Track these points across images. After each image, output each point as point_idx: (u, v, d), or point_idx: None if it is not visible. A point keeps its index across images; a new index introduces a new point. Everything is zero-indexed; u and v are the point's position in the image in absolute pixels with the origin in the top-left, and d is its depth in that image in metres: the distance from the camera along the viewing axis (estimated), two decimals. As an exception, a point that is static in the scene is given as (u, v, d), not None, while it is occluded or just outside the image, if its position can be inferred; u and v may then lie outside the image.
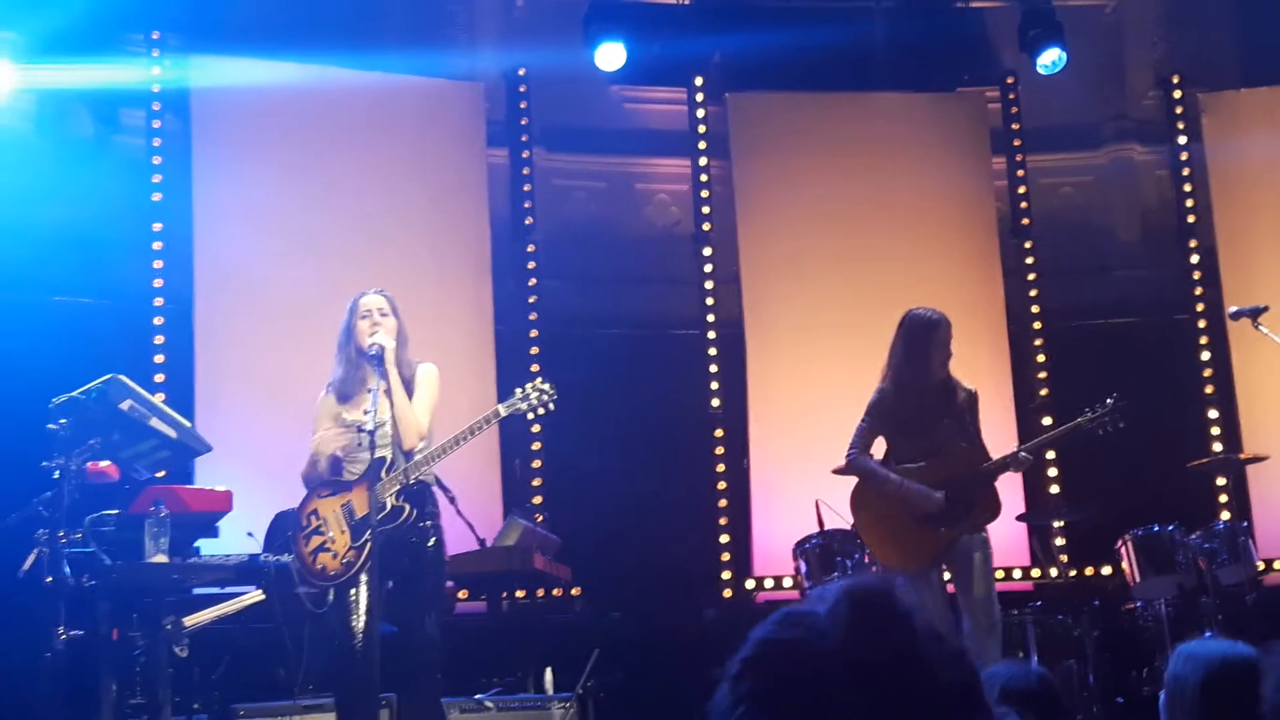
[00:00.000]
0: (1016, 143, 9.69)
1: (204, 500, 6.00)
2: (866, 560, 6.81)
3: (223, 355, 8.01)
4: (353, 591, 5.07)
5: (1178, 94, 9.64)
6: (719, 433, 8.87)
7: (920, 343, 5.86)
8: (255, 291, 8.09)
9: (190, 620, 5.58)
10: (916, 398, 5.86)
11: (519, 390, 5.48)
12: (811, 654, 1.10)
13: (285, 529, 6.25)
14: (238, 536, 6.22)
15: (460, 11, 9.51)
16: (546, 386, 5.44)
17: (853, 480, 6.08)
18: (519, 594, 7.65)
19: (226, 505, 6.00)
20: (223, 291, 8.13)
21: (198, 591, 5.88)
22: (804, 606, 1.16)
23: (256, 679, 6.13)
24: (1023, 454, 6.07)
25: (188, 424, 5.94)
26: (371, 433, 5.02)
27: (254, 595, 5.94)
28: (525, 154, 9.17)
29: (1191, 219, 9.46)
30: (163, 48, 8.35)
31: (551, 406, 5.46)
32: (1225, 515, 8.13)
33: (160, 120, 8.33)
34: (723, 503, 8.72)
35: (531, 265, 9.02)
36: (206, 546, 6.16)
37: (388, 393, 5.17)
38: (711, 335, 9.06)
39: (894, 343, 5.98)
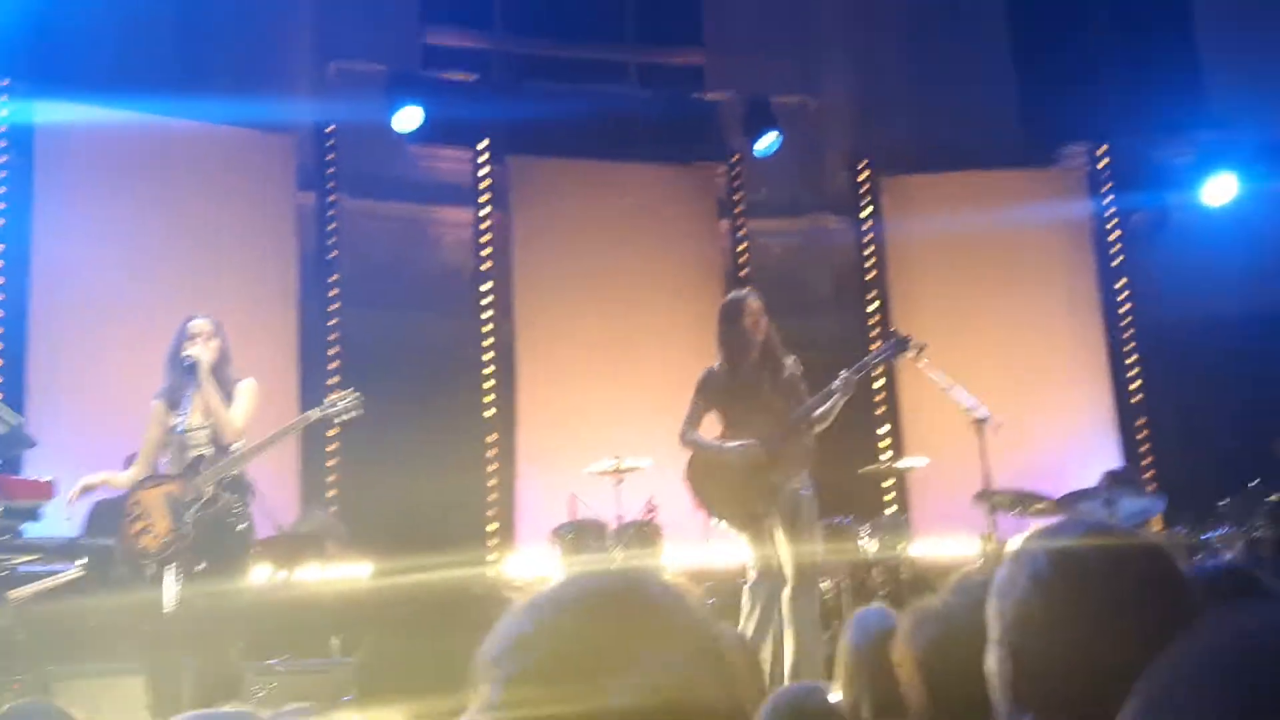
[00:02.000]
0: (738, 209, 9.92)
1: (28, 490, 5.74)
2: (608, 545, 6.90)
3: (54, 364, 7.66)
4: (169, 568, 4.94)
5: (863, 176, 9.97)
6: (492, 437, 8.89)
7: (731, 320, 5.51)
8: (87, 307, 7.75)
9: (14, 594, 5.33)
10: (742, 369, 5.45)
11: (330, 397, 5.44)
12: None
13: (104, 515, 6.04)
14: (59, 522, 5.98)
15: (278, 71, 9.30)
16: (357, 395, 5.40)
17: (684, 460, 5.64)
18: (312, 572, 7.52)
19: (49, 494, 5.73)
20: (58, 306, 7.77)
21: (22, 569, 5.60)
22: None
23: (73, 649, 5.87)
24: (840, 382, 5.36)
25: (18, 420, 5.69)
26: (184, 432, 4.98)
27: (73, 572, 5.71)
28: (331, 198, 9.04)
29: (871, 276, 9.81)
30: (10, 92, 7.97)
31: (360, 412, 5.41)
32: (890, 509, 8.53)
33: (6, 155, 7.96)
34: (493, 496, 8.75)
35: (334, 294, 8.87)
36: (31, 529, 5.88)
37: (204, 399, 5.10)
38: (488, 357, 9.06)
39: (716, 328, 5.64)
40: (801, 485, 5.39)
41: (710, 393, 5.52)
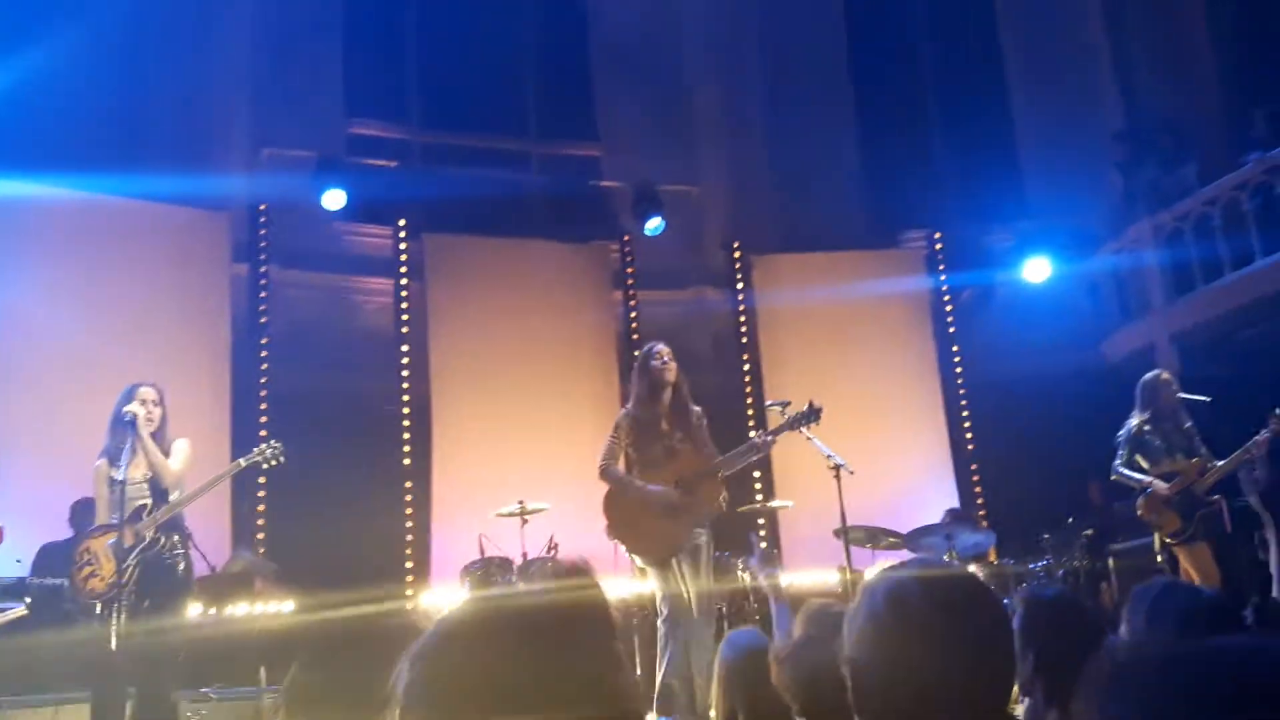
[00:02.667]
0: (630, 282, 10.08)
1: (-23, 535, 5.61)
2: (514, 579, 6.88)
3: (5, 417, 7.49)
4: (114, 606, 4.89)
5: (737, 254, 10.17)
6: (408, 484, 8.85)
7: (645, 364, 5.51)
8: (39, 365, 7.60)
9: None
10: (652, 413, 5.42)
11: (256, 449, 5.48)
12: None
13: (51, 557, 5.91)
14: (8, 563, 5.84)
15: (216, 155, 9.27)
16: (279, 446, 5.46)
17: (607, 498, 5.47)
18: (242, 608, 7.40)
19: (-2, 539, 5.62)
20: (10, 364, 7.60)
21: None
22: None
23: (22, 679, 5.70)
24: (759, 441, 5.47)
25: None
26: (123, 484, 4.96)
27: (19, 610, 5.57)
28: (263, 269, 9.00)
29: (744, 339, 9.99)
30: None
31: (282, 460, 5.47)
32: (763, 545, 8.71)
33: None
34: (409, 537, 8.70)
35: (264, 354, 8.81)
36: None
37: (143, 452, 5.08)
38: (406, 410, 9.03)
39: (634, 373, 5.66)
40: (704, 526, 5.38)
41: (624, 432, 5.44)
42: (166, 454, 5.20)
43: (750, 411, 9.74)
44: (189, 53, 9.39)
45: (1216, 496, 6.53)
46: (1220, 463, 6.48)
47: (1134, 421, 6.64)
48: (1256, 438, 6.37)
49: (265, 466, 5.48)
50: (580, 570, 1.18)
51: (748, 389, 9.86)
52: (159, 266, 8.37)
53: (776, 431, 5.47)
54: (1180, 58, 10.99)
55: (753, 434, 5.52)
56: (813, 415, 5.51)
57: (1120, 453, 6.65)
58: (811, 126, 10.93)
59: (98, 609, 4.93)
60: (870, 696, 1.46)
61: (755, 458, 5.50)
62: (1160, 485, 6.44)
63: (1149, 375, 6.79)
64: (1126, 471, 6.61)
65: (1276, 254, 9.05)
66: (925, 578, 1.48)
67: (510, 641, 1.05)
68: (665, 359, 5.48)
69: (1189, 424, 6.65)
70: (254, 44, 9.68)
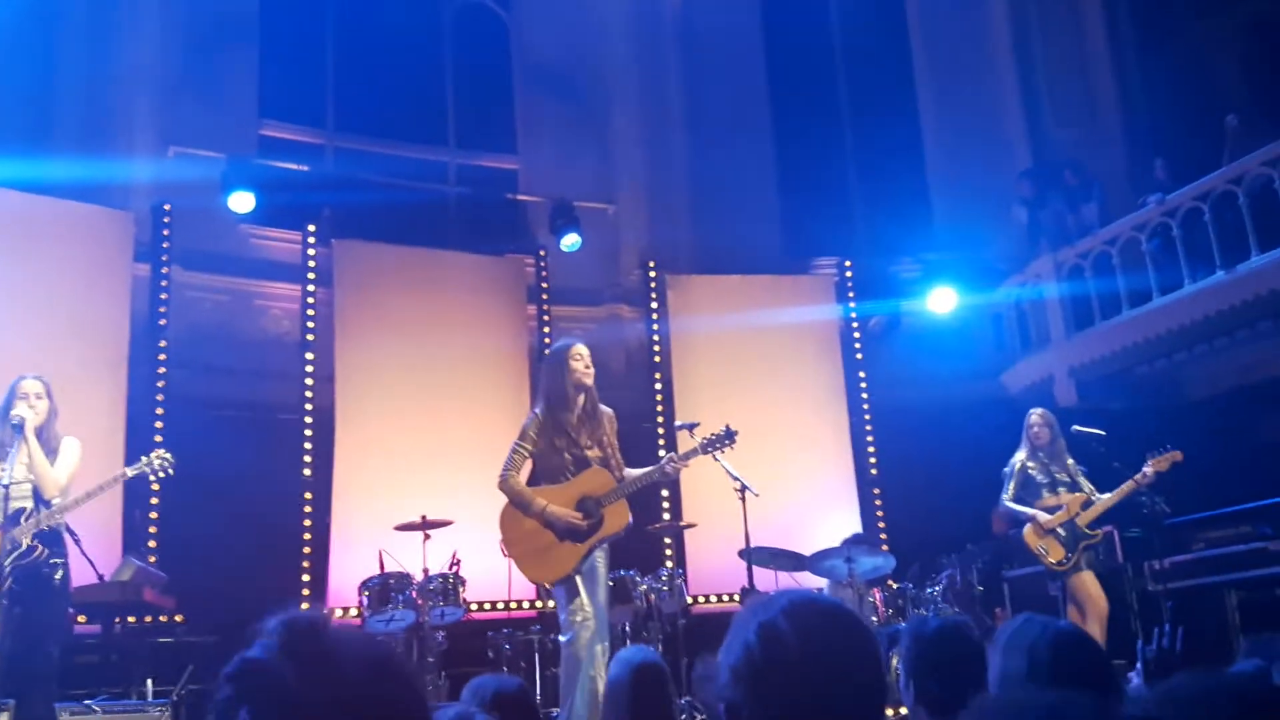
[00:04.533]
0: (545, 297, 10.00)
1: None
2: (414, 596, 6.71)
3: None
4: (-15, 615, 4.68)
5: (652, 273, 10.22)
6: (308, 495, 8.64)
7: (554, 368, 5.21)
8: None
9: None
10: (564, 418, 5.13)
11: (144, 457, 5.32)
12: (266, 672, 1.05)
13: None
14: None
15: (121, 150, 9.00)
16: (168, 456, 5.30)
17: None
18: (130, 619, 7.15)
19: None
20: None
21: None
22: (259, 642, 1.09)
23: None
24: (670, 465, 5.14)
25: None
26: (6, 486, 4.79)
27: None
28: (165, 270, 8.73)
29: (657, 359, 10.02)
30: None
31: (170, 472, 5.32)
32: (668, 564, 8.58)
33: None
34: (307, 550, 8.50)
35: (163, 358, 8.55)
36: None
37: (28, 455, 4.89)
38: (308, 420, 8.85)
39: (544, 375, 5.35)
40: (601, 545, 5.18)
41: (531, 440, 5.16)
42: (54, 450, 5.01)
43: (661, 431, 9.79)
44: (97, 43, 9.13)
45: (1101, 530, 6.76)
46: (1105, 496, 6.70)
47: (1017, 456, 6.87)
48: (1136, 475, 6.62)
49: (153, 477, 5.31)
50: None
51: (659, 408, 9.89)
52: (59, 263, 8.08)
53: (689, 455, 5.23)
54: (1087, 104, 11.41)
55: (663, 454, 5.30)
56: (728, 439, 5.32)
57: (1006, 486, 6.85)
58: (729, 150, 11.07)
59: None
60: None
61: (662, 479, 5.26)
62: (1043, 516, 6.66)
63: (1029, 413, 7.00)
64: (1011, 505, 6.81)
65: (1172, 293, 9.40)
66: (795, 613, 1.46)
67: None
68: (587, 362, 5.19)
69: (1071, 459, 6.87)
70: (164, 37, 9.43)
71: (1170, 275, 9.46)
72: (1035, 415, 6.97)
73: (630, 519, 5.20)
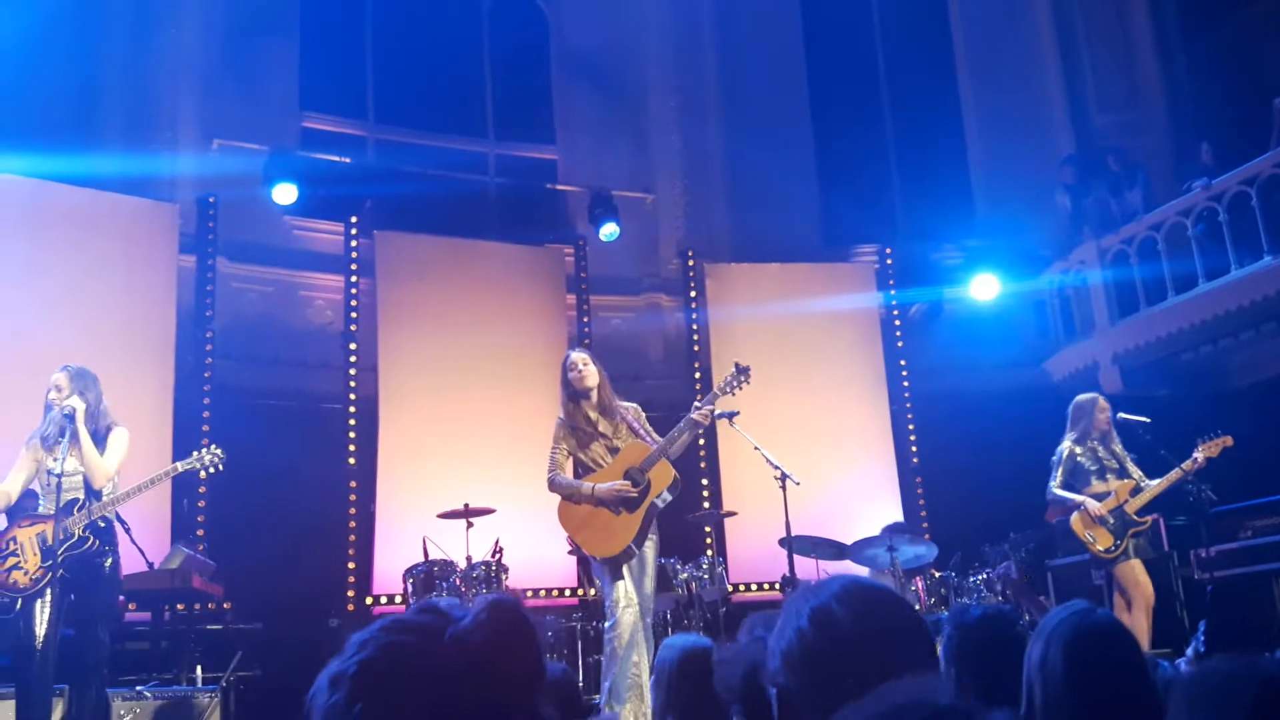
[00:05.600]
0: (584, 287, 10.03)
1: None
2: (458, 584, 6.78)
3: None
4: (39, 602, 4.79)
5: (691, 262, 10.19)
6: (353, 484, 8.70)
7: (562, 380, 5.51)
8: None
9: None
10: (582, 418, 5.43)
11: (196, 453, 5.37)
12: (437, 656, 1.01)
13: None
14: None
15: (166, 143, 9.11)
16: (219, 452, 5.34)
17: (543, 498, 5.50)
18: (179, 607, 7.25)
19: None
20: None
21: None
22: (422, 618, 1.07)
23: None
24: (697, 414, 5.33)
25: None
26: (59, 476, 4.85)
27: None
28: (210, 261, 8.82)
29: (696, 348, 10.00)
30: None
31: (220, 468, 5.37)
32: (709, 553, 8.62)
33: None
34: (352, 537, 8.55)
35: (209, 348, 8.64)
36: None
37: (78, 446, 4.94)
38: (352, 409, 8.88)
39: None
40: (652, 530, 5.35)
41: (562, 440, 5.46)
42: (104, 441, 5.05)
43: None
44: (141, 39, 9.22)
45: (1150, 516, 6.63)
46: (1153, 483, 6.58)
47: (1065, 443, 6.74)
48: (1185, 461, 6.49)
49: (203, 474, 5.37)
50: None
51: (698, 398, 9.77)
52: (107, 255, 8.19)
53: (710, 399, 5.44)
54: (1131, 89, 11.20)
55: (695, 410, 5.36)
56: (742, 374, 5.54)
57: (1054, 474, 6.74)
58: (768, 138, 10.98)
59: (18, 605, 4.79)
60: (792, 713, 1.45)
61: (698, 431, 5.49)
62: (1092, 504, 6.54)
63: (1080, 397, 6.89)
64: (1060, 491, 6.69)
65: (1219, 279, 9.22)
66: (848, 597, 1.46)
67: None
68: (580, 367, 5.46)
69: (1119, 446, 6.75)
70: (205, 31, 9.51)
71: (1216, 260, 9.28)
72: (1096, 397, 6.86)
73: (676, 474, 5.35)
